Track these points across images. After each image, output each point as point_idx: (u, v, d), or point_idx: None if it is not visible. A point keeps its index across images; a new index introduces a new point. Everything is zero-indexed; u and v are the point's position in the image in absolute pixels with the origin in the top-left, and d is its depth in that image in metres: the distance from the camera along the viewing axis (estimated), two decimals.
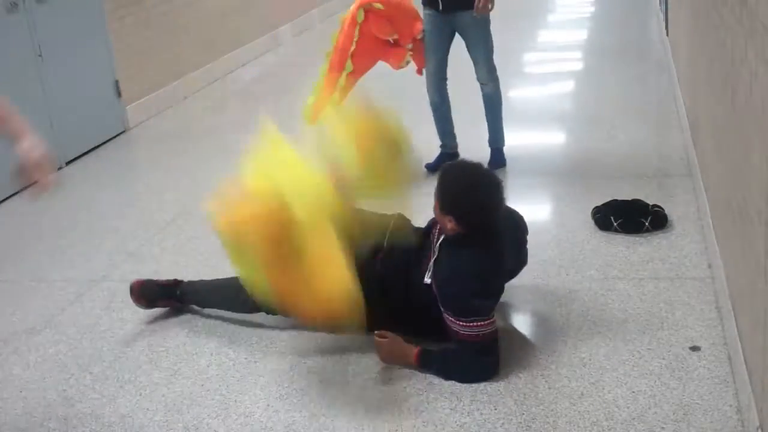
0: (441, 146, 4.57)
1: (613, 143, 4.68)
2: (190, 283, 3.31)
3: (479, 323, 2.60)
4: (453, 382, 2.64)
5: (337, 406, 2.60)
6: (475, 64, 4.41)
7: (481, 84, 4.49)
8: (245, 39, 8.09)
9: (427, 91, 4.53)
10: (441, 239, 2.75)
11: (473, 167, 2.79)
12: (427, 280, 2.72)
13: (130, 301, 3.26)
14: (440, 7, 4.22)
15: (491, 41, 4.35)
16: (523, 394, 2.56)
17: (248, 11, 8.20)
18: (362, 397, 2.64)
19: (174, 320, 3.27)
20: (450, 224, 2.67)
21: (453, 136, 4.61)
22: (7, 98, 2.17)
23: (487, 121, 4.55)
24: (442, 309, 2.66)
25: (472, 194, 2.67)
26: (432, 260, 2.73)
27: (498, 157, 4.50)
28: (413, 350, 2.71)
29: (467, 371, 2.65)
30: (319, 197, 2.63)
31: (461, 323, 2.61)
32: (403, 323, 2.80)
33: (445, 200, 2.68)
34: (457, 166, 2.88)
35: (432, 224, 2.90)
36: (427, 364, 2.70)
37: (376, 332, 2.74)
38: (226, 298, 3.16)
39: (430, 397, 2.60)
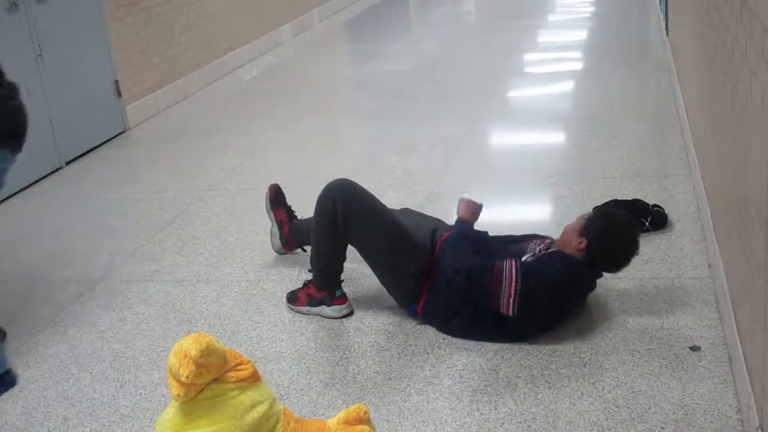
0: None
1: (613, 143, 4.68)
2: (301, 221, 3.59)
3: (516, 287, 2.71)
4: (453, 382, 2.63)
5: (337, 406, 2.60)
6: None
7: None
8: (245, 39, 8.09)
9: None
10: (551, 249, 2.90)
11: (624, 222, 2.93)
12: (531, 255, 2.88)
13: (135, 298, 3.25)
14: None
15: None
16: (523, 394, 2.56)
17: (248, 11, 8.20)
18: (362, 397, 2.63)
19: (174, 320, 3.28)
20: (579, 243, 2.83)
21: None
22: None
23: None
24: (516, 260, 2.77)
25: (619, 246, 2.87)
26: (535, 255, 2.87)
27: None
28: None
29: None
30: None
31: (514, 268, 2.72)
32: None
33: (591, 243, 2.82)
34: (617, 215, 2.99)
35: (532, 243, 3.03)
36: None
37: None
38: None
39: (430, 397, 2.60)
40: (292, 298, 3.23)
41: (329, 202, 3.00)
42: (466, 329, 2.87)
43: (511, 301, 2.70)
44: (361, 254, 3.07)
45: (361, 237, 3.03)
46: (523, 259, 2.85)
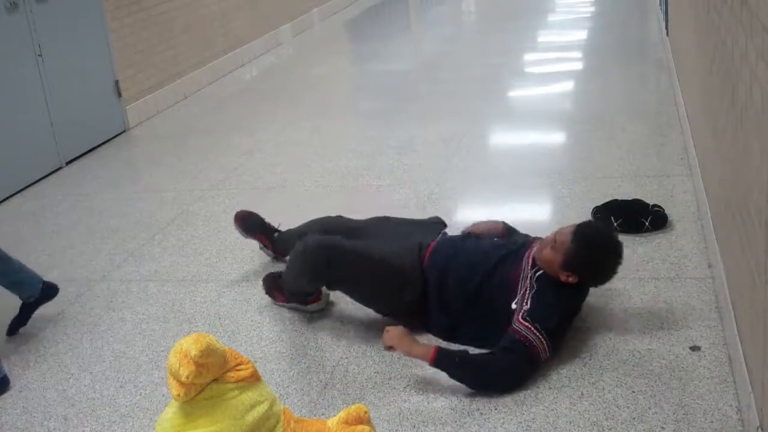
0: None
1: (613, 143, 4.68)
2: (284, 233, 3.50)
3: (543, 336, 2.59)
4: (453, 382, 2.63)
5: (337, 406, 2.60)
6: None
7: None
8: (245, 39, 8.09)
9: None
10: (537, 275, 2.74)
11: (613, 239, 2.80)
12: (514, 306, 2.71)
13: (135, 298, 3.26)
14: None
15: None
16: (523, 394, 2.56)
17: (248, 11, 8.20)
18: (362, 397, 2.63)
19: (173, 320, 3.28)
20: (564, 277, 2.71)
21: (16, 285, 3.32)
22: None
23: None
24: (521, 318, 2.64)
25: (608, 270, 2.76)
26: (528, 293, 2.71)
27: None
28: (430, 348, 2.62)
29: (501, 372, 2.60)
30: None
31: (531, 327, 2.60)
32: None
33: (578, 265, 2.69)
34: (602, 234, 2.83)
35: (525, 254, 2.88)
36: (445, 361, 2.60)
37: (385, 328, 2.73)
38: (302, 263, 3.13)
39: (430, 397, 2.60)
40: (270, 291, 3.27)
41: (315, 261, 2.95)
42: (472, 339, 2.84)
43: (546, 347, 2.63)
44: (350, 296, 3.07)
45: (349, 289, 3.02)
46: (519, 305, 2.72)
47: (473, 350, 2.69)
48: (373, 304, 3.04)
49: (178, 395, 2.11)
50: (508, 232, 3.20)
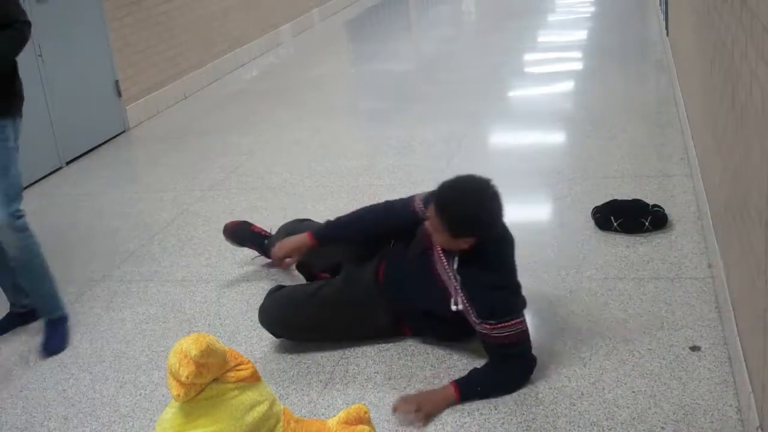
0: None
1: (613, 143, 4.68)
2: (273, 237, 3.43)
3: (517, 320, 2.56)
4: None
5: (337, 406, 2.60)
6: None
7: None
8: (245, 39, 8.09)
9: None
10: (456, 264, 2.64)
11: (468, 182, 2.62)
12: (455, 307, 2.64)
13: (135, 298, 3.26)
14: None
15: (11, 171, 3.02)
16: (523, 394, 2.56)
17: (248, 11, 8.20)
18: (362, 397, 2.63)
19: (173, 320, 3.28)
20: (465, 244, 2.60)
21: (18, 290, 3.33)
22: None
23: (27, 288, 3.29)
24: (478, 322, 2.58)
25: (486, 206, 2.58)
26: (458, 287, 2.63)
27: (53, 336, 3.20)
28: (450, 389, 2.56)
29: (513, 378, 2.60)
30: None
31: (501, 325, 2.55)
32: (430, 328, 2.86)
33: (461, 225, 2.56)
34: (455, 188, 2.60)
35: (423, 236, 2.77)
36: (470, 394, 2.57)
37: (395, 405, 2.54)
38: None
39: None
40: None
41: (272, 329, 2.94)
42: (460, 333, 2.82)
43: (521, 321, 2.59)
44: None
45: (324, 332, 2.95)
46: (463, 305, 2.66)
47: (479, 362, 2.67)
48: (358, 333, 2.95)
49: (178, 395, 2.11)
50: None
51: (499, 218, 2.63)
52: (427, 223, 2.65)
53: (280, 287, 3.01)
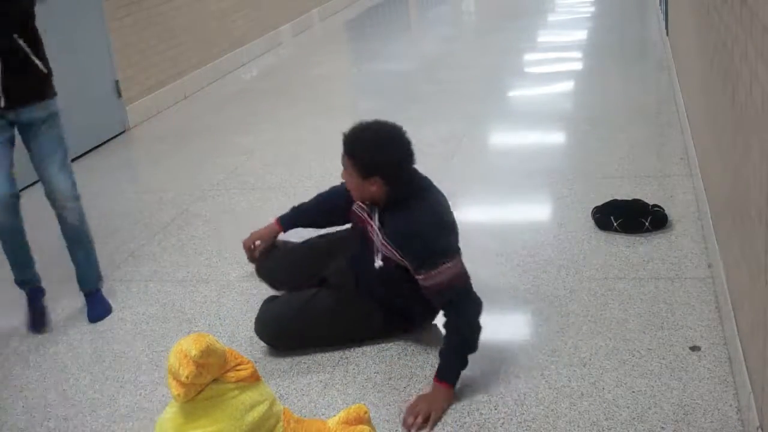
0: (20, 283, 3.40)
1: (613, 143, 4.68)
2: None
3: (450, 263, 2.57)
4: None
5: (337, 406, 2.60)
6: (50, 179, 3.21)
7: (62, 208, 3.29)
8: (245, 39, 8.09)
9: None
10: (376, 215, 2.70)
11: (375, 123, 2.71)
12: (378, 263, 2.70)
13: (135, 298, 3.25)
14: (2, 103, 3.11)
15: (66, 143, 3.29)
16: (523, 394, 2.56)
17: (248, 11, 8.20)
18: (362, 397, 2.63)
19: (174, 320, 3.28)
20: (376, 187, 2.61)
21: (31, 265, 3.40)
22: None
23: (77, 260, 3.44)
24: (413, 272, 2.61)
25: (392, 144, 2.66)
26: (384, 242, 2.67)
27: (98, 303, 3.42)
28: (439, 387, 2.56)
29: (468, 325, 2.58)
30: None
31: (434, 272, 2.56)
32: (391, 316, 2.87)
33: (367, 162, 2.60)
34: (362, 128, 2.68)
35: (356, 217, 2.86)
36: (455, 375, 2.58)
37: (405, 419, 2.50)
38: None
39: None
40: None
41: (271, 344, 2.95)
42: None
43: (456, 262, 2.60)
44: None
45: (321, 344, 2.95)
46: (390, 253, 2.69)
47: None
48: (357, 335, 2.95)
49: (178, 395, 2.11)
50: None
51: (405, 159, 2.68)
52: (342, 173, 2.72)
53: (273, 297, 3.02)
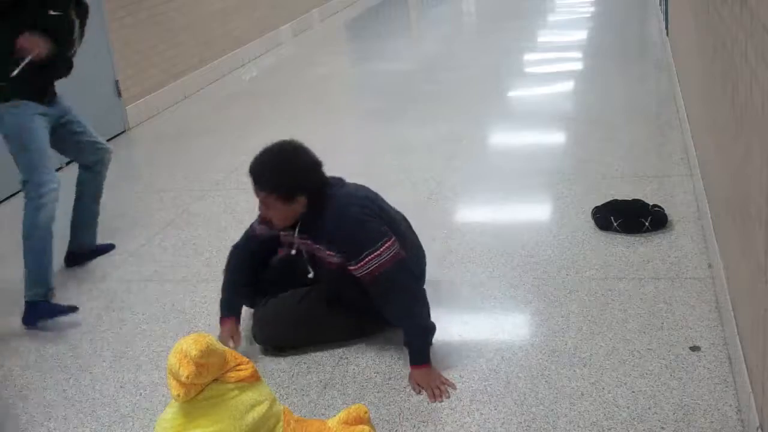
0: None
1: (613, 143, 4.68)
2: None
3: (384, 246, 2.64)
4: (453, 381, 2.64)
5: (337, 406, 2.60)
6: (97, 137, 3.91)
7: (108, 162, 3.94)
8: (245, 39, 8.09)
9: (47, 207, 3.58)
10: (297, 232, 2.77)
11: (269, 149, 2.82)
12: (311, 275, 2.80)
13: (135, 298, 3.26)
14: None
15: None
16: (523, 394, 2.56)
17: (248, 11, 8.20)
18: (362, 397, 2.63)
19: (174, 320, 3.28)
20: (299, 205, 2.70)
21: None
22: None
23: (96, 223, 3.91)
24: (350, 266, 2.67)
25: (299, 157, 2.78)
26: (311, 246, 2.77)
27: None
28: (419, 369, 2.67)
29: (414, 300, 2.69)
30: None
31: (368, 259, 2.63)
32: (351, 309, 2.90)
33: (288, 186, 2.70)
34: (262, 161, 2.82)
35: (285, 244, 2.91)
36: (424, 353, 2.68)
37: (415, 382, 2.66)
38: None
39: None
40: None
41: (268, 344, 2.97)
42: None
43: (390, 244, 2.67)
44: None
45: (320, 339, 2.97)
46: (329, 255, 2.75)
47: (481, 362, 2.69)
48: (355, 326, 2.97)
49: (178, 395, 2.11)
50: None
51: (317, 164, 2.79)
52: (261, 210, 2.79)
53: (266, 300, 3.02)
